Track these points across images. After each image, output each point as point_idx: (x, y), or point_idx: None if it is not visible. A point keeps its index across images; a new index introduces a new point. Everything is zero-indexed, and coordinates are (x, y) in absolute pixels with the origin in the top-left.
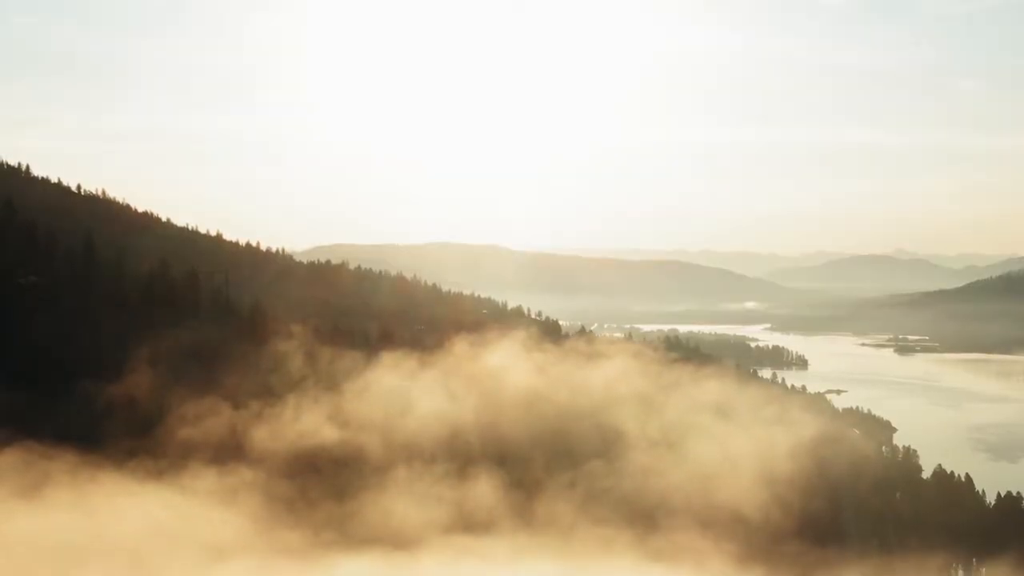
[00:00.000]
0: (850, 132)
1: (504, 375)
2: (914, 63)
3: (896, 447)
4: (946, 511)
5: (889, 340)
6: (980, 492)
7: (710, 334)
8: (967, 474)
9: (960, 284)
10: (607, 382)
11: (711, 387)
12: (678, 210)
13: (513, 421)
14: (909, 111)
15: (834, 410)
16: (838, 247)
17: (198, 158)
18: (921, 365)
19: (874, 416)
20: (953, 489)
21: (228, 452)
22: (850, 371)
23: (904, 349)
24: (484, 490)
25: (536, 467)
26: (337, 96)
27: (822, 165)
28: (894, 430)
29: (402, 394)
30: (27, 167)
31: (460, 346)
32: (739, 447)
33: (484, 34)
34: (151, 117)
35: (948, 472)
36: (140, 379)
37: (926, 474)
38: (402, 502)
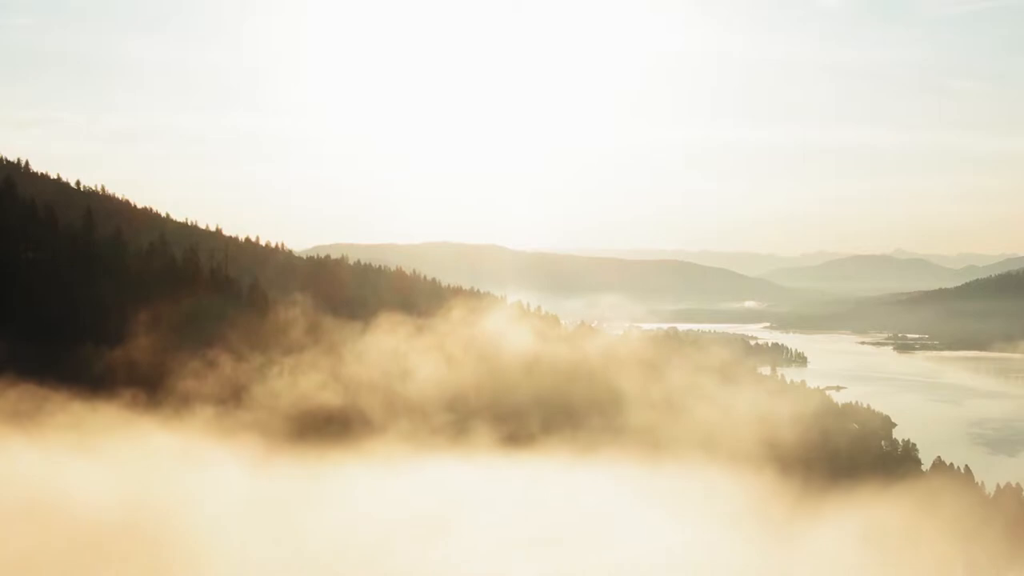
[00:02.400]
0: (850, 132)
1: (503, 340)
2: (914, 63)
3: (895, 441)
4: (945, 501)
5: (889, 338)
6: (980, 483)
7: (710, 332)
8: (966, 466)
9: (959, 284)
10: (606, 348)
11: (712, 353)
12: (678, 210)
13: (512, 382)
14: (909, 111)
15: (833, 405)
16: (838, 247)
17: (198, 158)
18: (920, 362)
19: (873, 411)
20: (952, 480)
21: (228, 404)
22: (850, 368)
23: (904, 347)
24: (483, 442)
25: (533, 423)
26: (337, 96)
27: (822, 165)
28: (894, 425)
29: (400, 357)
30: (26, 162)
31: (459, 312)
32: (738, 413)
33: (484, 34)
34: (151, 117)
35: (947, 464)
36: (140, 343)
37: (925, 467)
38: (402, 447)
